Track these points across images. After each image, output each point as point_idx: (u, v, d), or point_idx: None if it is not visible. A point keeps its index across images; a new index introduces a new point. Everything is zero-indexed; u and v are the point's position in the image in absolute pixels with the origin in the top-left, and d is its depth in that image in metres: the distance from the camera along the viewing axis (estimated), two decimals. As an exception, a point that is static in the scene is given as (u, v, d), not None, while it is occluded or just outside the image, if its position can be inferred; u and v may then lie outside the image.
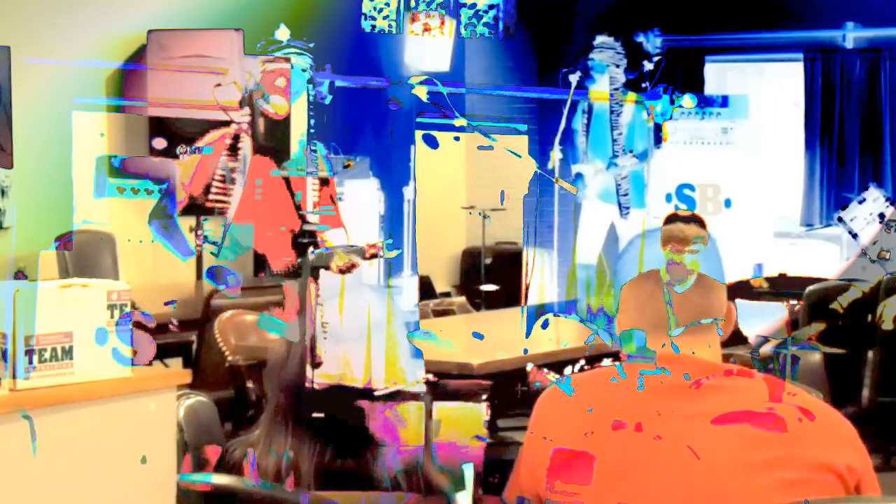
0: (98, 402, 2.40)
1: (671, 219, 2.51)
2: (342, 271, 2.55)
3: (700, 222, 2.55)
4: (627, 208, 6.26)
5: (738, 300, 2.28)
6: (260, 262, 2.92)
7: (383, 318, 2.53)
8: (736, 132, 9.51)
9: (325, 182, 2.89)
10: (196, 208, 2.89)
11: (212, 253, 2.82)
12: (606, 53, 6.27)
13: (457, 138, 2.95)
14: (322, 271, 2.56)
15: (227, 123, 2.90)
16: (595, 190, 7.15)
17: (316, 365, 2.51)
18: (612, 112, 6.42)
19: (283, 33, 2.82)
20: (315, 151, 2.85)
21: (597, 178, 7.07)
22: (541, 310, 2.98)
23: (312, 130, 2.89)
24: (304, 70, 2.89)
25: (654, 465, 2.07)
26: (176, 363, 5.78)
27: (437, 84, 2.90)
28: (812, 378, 3.77)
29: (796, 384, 2.28)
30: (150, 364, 2.52)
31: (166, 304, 4.80)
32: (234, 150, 2.88)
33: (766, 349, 2.77)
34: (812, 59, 9.55)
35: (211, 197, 2.86)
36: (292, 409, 2.53)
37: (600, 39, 6.31)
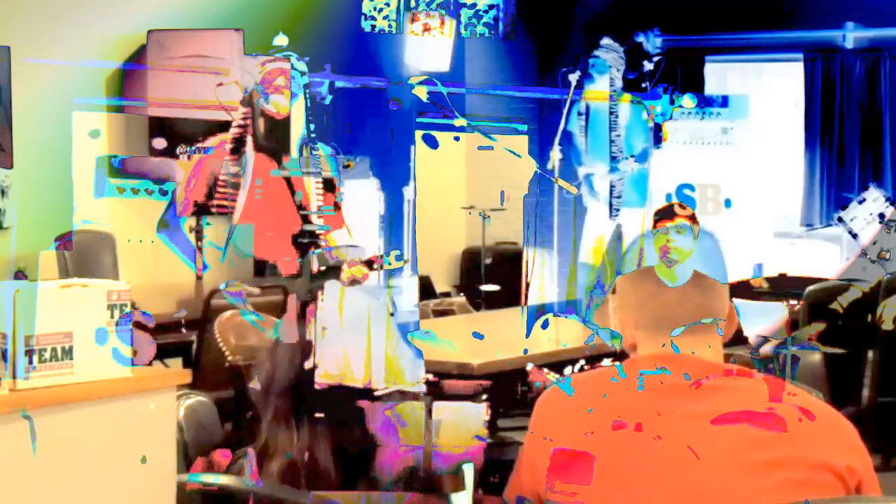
0: (98, 402, 2.40)
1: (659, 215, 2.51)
2: (352, 283, 2.56)
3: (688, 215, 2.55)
4: (618, 210, 6.27)
5: (738, 300, 2.28)
6: (260, 265, 2.92)
7: (383, 318, 2.54)
8: (736, 132, 9.51)
9: (329, 183, 2.90)
10: (199, 211, 2.89)
11: (218, 248, 2.83)
12: (611, 55, 6.27)
13: (457, 138, 2.95)
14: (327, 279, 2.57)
15: (227, 123, 2.90)
16: (602, 193, 7.15)
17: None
18: (611, 113, 6.43)
19: (281, 40, 2.82)
20: (317, 152, 2.86)
21: (602, 179, 7.07)
22: (541, 310, 2.98)
23: (314, 134, 2.89)
24: (302, 73, 2.89)
25: (654, 466, 2.07)
26: (176, 363, 5.78)
27: (437, 84, 2.90)
28: (812, 378, 3.77)
29: (796, 384, 2.28)
30: (150, 364, 2.52)
31: (176, 314, 4.82)
32: (236, 152, 2.88)
33: (766, 349, 2.77)
34: (812, 59, 9.55)
35: (215, 201, 2.87)
36: (291, 411, 2.53)
37: (606, 41, 6.31)
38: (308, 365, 2.51)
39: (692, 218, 2.73)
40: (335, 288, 2.52)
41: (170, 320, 4.40)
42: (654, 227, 2.22)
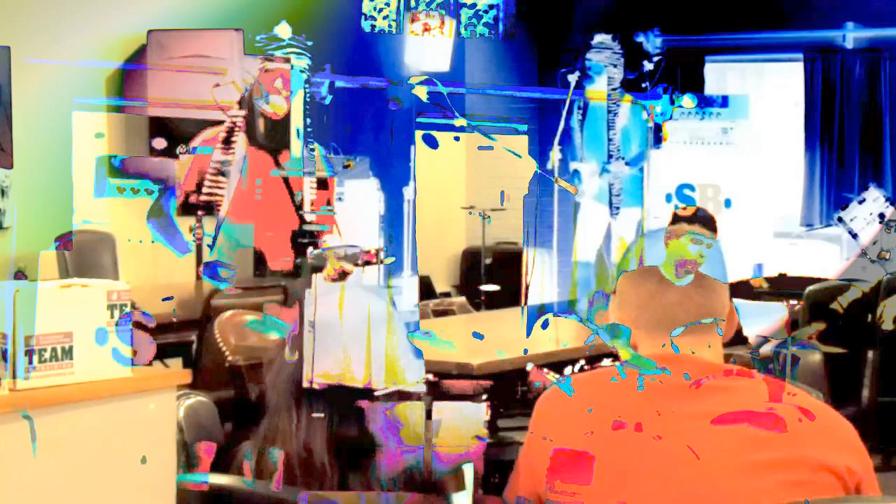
0: (98, 402, 2.40)
1: (676, 219, 2.51)
2: (333, 280, 2.55)
3: (705, 219, 2.55)
4: (618, 208, 6.26)
5: (738, 300, 2.27)
6: (259, 262, 2.92)
7: (383, 318, 2.53)
8: (736, 132, 9.52)
9: (323, 183, 2.90)
10: (193, 207, 2.89)
11: (208, 245, 2.83)
12: (604, 54, 6.27)
13: (457, 138, 2.95)
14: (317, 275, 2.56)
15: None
16: (591, 190, 7.16)
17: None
18: (609, 112, 6.43)
19: (284, 30, 2.82)
20: (313, 151, 2.85)
21: (593, 179, 7.09)
22: (541, 310, 2.97)
23: (310, 129, 2.89)
24: (302, 71, 2.89)
25: (654, 466, 2.07)
26: (176, 363, 5.78)
27: (437, 84, 2.90)
28: (812, 378, 3.77)
29: (796, 384, 2.27)
30: (150, 364, 2.52)
31: (164, 300, 4.81)
32: (227, 143, 2.88)
33: (766, 349, 2.77)
34: (812, 59, 9.55)
35: (204, 191, 2.86)
36: (291, 409, 2.52)
37: (598, 39, 6.31)
38: (294, 357, 2.49)
39: (703, 219, 2.71)
40: (323, 285, 2.51)
41: (170, 318, 4.41)
42: (670, 235, 2.22)
